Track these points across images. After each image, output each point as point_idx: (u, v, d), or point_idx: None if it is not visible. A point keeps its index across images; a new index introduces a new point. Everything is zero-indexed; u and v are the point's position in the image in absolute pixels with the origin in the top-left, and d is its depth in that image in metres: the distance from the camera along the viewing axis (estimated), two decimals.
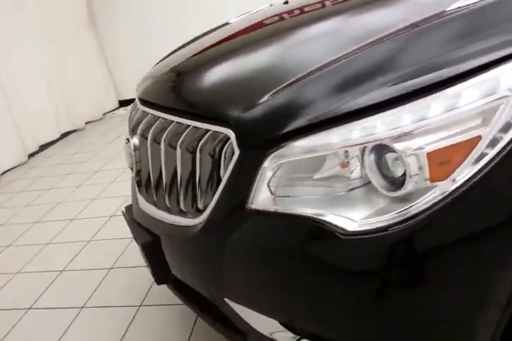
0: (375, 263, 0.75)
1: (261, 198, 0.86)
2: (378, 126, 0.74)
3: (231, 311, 1.00)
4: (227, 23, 1.78)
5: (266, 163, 0.84)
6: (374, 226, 0.74)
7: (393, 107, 0.75)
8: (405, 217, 0.72)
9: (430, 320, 0.77)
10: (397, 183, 0.74)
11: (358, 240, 0.75)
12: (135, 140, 1.23)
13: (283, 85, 0.87)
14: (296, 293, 0.86)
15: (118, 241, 2.28)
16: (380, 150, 0.76)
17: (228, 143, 0.90)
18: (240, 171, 0.88)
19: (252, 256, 0.90)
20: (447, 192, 0.71)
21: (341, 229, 0.76)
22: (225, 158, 0.91)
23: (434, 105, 0.73)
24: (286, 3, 1.67)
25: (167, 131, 1.08)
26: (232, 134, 0.89)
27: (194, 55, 1.38)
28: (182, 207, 1.07)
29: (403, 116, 0.74)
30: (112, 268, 2.08)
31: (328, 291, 0.81)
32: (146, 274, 1.56)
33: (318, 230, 0.78)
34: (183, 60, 1.35)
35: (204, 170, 0.97)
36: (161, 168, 1.11)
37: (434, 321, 0.77)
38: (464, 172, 0.71)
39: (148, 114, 1.21)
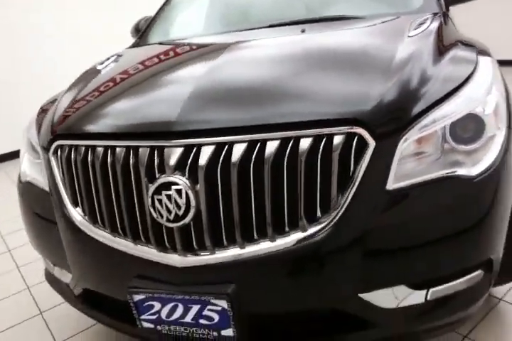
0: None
1: (398, 177, 1.08)
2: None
3: (364, 305, 1.13)
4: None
5: (399, 146, 1.07)
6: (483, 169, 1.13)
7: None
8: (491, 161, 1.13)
9: None
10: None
11: (481, 180, 1.11)
12: (181, 180, 1.08)
13: (388, 79, 1.13)
14: (437, 251, 1.10)
15: None
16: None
17: (355, 139, 1.05)
18: (376, 161, 1.05)
19: (402, 231, 1.08)
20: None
21: (467, 175, 1.10)
22: (354, 154, 1.05)
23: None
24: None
25: (254, 153, 1.05)
26: (361, 130, 1.04)
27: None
28: (286, 226, 1.09)
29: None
30: None
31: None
32: None
33: (453, 182, 1.09)
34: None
35: (323, 174, 1.06)
36: (241, 197, 1.08)
37: None
38: None
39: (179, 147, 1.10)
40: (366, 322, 1.17)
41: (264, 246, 1.10)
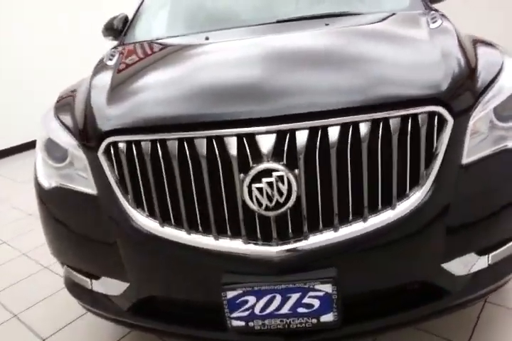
0: None
1: (473, 150, 1.19)
2: None
3: (444, 274, 1.21)
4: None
5: (471, 122, 1.19)
6: None
7: None
8: None
9: None
10: None
11: None
12: (281, 166, 1.08)
13: (448, 64, 1.24)
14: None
15: None
16: None
17: (435, 118, 1.12)
18: (453, 137, 1.15)
19: (477, 201, 1.20)
20: None
21: None
22: (436, 131, 1.13)
23: None
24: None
25: (334, 137, 1.07)
26: (440, 108, 1.12)
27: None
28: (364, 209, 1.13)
29: None
30: None
31: None
32: None
33: (507, 154, 1.24)
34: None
35: (404, 153, 1.12)
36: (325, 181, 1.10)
37: None
38: None
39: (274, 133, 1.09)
40: (444, 291, 1.25)
41: (358, 227, 1.13)
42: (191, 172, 1.14)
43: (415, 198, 1.14)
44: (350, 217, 1.13)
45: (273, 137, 1.08)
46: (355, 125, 1.09)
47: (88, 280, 1.40)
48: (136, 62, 1.63)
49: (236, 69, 1.32)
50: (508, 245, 1.30)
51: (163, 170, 1.17)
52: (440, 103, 1.13)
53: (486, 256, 1.27)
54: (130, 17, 2.39)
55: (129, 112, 1.26)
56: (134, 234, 1.22)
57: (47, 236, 1.49)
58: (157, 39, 1.94)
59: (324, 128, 1.09)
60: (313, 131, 1.09)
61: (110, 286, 1.34)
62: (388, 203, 1.14)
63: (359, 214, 1.13)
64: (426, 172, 1.14)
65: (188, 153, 1.13)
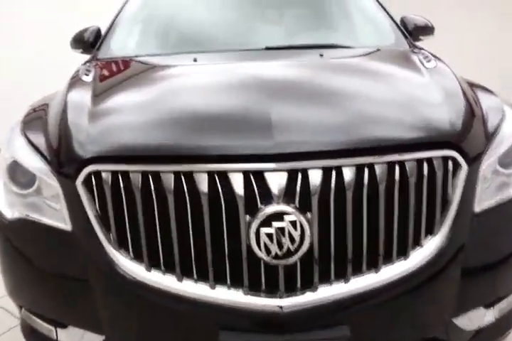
0: None
1: (482, 197, 1.14)
2: None
3: (454, 329, 1.15)
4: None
5: (483, 167, 1.15)
6: None
7: None
8: None
9: None
10: None
11: None
12: (292, 209, 0.97)
13: (455, 107, 1.20)
14: None
15: None
16: None
17: (449, 163, 1.07)
18: (467, 184, 1.09)
19: (491, 250, 1.16)
20: None
21: None
22: (451, 177, 1.08)
23: None
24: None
25: (350, 180, 0.99)
26: (455, 153, 1.07)
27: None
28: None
29: None
30: None
31: None
32: None
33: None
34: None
35: (419, 198, 1.04)
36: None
37: None
38: None
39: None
40: None
41: (372, 279, 1.04)
42: (189, 211, 1.01)
43: (430, 248, 1.07)
44: (364, 267, 1.04)
45: (284, 176, 0.98)
46: (371, 167, 1.02)
47: (52, 328, 1.20)
48: (122, 80, 1.49)
49: (237, 97, 1.21)
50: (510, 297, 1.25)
51: (155, 207, 1.02)
52: (455, 147, 1.08)
53: (492, 309, 1.21)
54: (103, 30, 2.23)
55: (117, 136, 1.11)
56: (115, 278, 1.06)
57: (3, 273, 1.28)
58: (138, 56, 1.80)
59: (339, 169, 1.00)
60: (327, 171, 1.00)
61: (80, 338, 1.16)
62: (402, 253, 1.06)
63: (372, 264, 1.04)
64: (441, 220, 1.08)
65: (185, 189, 1.00)
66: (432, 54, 1.74)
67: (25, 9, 4.98)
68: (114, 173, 1.05)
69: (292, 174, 0.99)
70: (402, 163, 1.03)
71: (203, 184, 0.99)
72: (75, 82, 1.52)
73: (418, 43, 2.16)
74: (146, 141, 1.07)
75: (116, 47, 1.99)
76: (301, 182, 0.98)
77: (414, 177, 1.03)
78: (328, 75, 1.39)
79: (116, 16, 2.20)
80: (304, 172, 0.99)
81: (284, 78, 1.31)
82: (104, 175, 1.05)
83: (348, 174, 1.00)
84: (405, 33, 2.03)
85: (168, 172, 1.01)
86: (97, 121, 1.19)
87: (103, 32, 2.16)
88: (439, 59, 1.65)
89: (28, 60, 4.59)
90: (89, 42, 2.15)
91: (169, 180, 1.01)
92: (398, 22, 2.12)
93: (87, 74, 1.55)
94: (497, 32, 4.68)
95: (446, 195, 1.09)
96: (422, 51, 1.75)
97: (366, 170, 1.01)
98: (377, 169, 1.01)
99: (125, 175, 1.04)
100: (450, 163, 1.08)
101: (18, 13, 4.83)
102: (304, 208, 0.98)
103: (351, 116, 1.12)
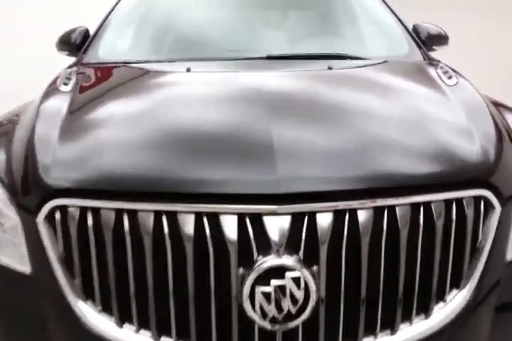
0: None
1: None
2: None
3: None
4: None
5: None
6: None
7: None
8: None
9: None
10: None
11: None
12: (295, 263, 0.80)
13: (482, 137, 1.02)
14: None
15: None
16: None
17: (481, 204, 0.91)
18: (499, 228, 0.93)
19: None
20: None
21: None
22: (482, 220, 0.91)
23: None
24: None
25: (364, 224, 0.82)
26: (488, 193, 0.91)
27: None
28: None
29: None
30: None
31: None
32: None
33: None
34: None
35: (445, 245, 0.88)
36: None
37: None
38: None
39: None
40: None
41: None
42: (169, 258, 0.83)
43: (455, 304, 0.91)
44: (378, 328, 0.86)
45: (287, 220, 0.81)
46: (391, 209, 0.85)
47: None
48: (104, 92, 1.31)
49: (234, 119, 1.04)
50: None
51: (129, 251, 0.85)
52: (487, 185, 0.92)
53: None
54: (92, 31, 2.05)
55: (89, 163, 0.94)
56: (79, 335, 0.89)
57: None
58: (126, 63, 1.62)
59: (354, 211, 0.83)
60: (339, 215, 0.82)
61: None
62: (423, 310, 0.89)
63: (388, 324, 0.87)
64: (469, 272, 0.91)
65: (166, 231, 0.83)
66: (450, 68, 1.57)
67: (25, 9, 4.83)
68: (83, 209, 0.87)
69: (297, 218, 0.81)
70: (427, 204, 0.87)
71: (187, 226, 0.82)
72: (51, 91, 1.34)
73: (431, 53, 2.00)
74: (125, 171, 0.90)
75: (104, 51, 1.80)
76: (307, 228, 0.81)
77: (442, 221, 0.87)
78: (340, 94, 1.22)
79: (106, 17, 2.02)
80: (312, 215, 0.82)
81: (288, 96, 1.14)
82: (70, 210, 0.88)
83: (365, 218, 0.83)
84: (419, 42, 1.87)
85: (146, 211, 0.84)
86: (68, 142, 1.01)
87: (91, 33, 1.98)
88: (458, 73, 1.48)
89: (28, 60, 4.45)
90: (76, 44, 1.96)
91: (148, 221, 0.83)
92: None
93: (65, 83, 1.37)
94: (497, 32, 4.58)
95: (476, 242, 0.92)
96: (440, 64, 1.59)
97: (386, 213, 0.84)
98: (399, 211, 0.84)
99: (96, 211, 0.86)
100: (482, 204, 0.91)
101: (18, 13, 4.70)
102: (309, 260, 0.81)
103: (369, 146, 0.95)
